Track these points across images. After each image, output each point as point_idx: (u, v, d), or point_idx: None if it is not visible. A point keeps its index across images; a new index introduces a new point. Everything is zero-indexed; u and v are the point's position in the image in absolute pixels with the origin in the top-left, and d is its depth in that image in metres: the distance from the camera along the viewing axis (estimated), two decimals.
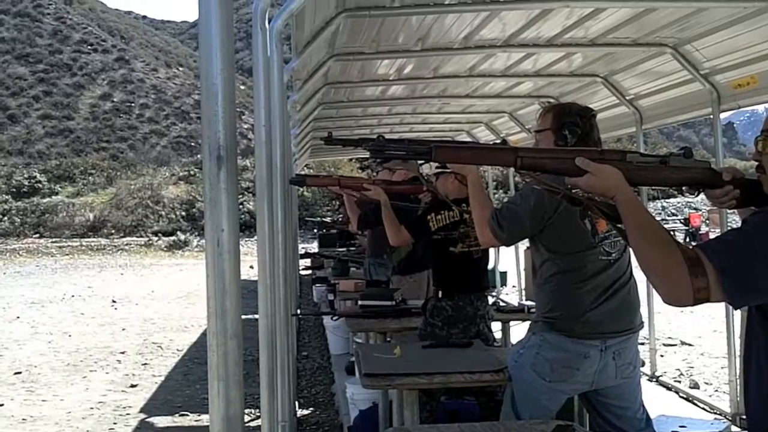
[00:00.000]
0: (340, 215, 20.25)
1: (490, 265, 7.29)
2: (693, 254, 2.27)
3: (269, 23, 4.98)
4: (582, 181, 2.59)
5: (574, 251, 4.35)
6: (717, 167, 2.80)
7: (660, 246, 2.35)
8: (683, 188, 2.80)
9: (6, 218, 55.01)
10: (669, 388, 9.25)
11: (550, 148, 2.82)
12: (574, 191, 2.68)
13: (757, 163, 2.59)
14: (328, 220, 30.45)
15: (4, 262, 41.00)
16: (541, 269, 4.52)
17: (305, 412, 8.88)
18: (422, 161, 3.18)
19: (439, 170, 6.33)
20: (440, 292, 6.24)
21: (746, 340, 2.56)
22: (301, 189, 34.25)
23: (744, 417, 7.44)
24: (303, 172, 9.20)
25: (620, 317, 4.42)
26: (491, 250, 7.19)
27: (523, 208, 4.37)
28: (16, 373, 11.82)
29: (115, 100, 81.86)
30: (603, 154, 2.65)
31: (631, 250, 2.57)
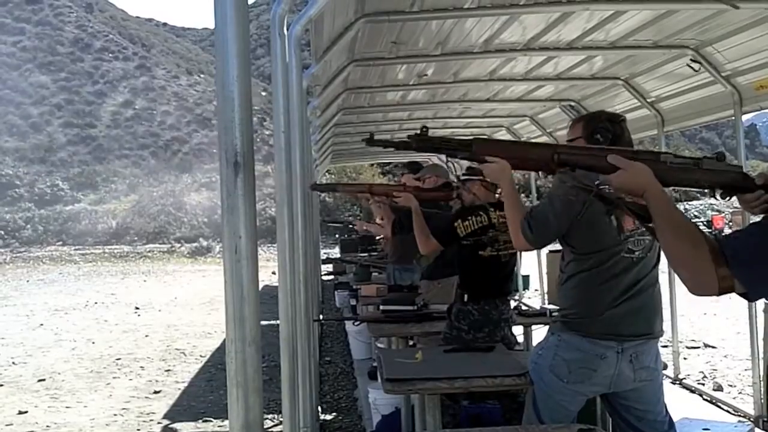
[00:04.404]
0: (359, 218, 20.29)
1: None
2: (716, 245, 2.32)
3: (288, 29, 4.98)
4: (614, 177, 2.65)
5: (599, 249, 4.35)
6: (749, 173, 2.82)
7: (687, 238, 2.39)
8: (716, 191, 2.83)
9: (29, 226, 55.41)
10: (692, 391, 9.20)
11: (585, 146, 2.86)
12: (605, 189, 2.72)
13: None
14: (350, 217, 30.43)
15: (27, 269, 41.28)
16: (567, 268, 4.53)
17: (328, 417, 8.87)
18: (462, 157, 3.21)
19: (466, 176, 6.32)
20: (466, 296, 6.22)
21: None
22: (322, 194, 34.33)
23: (767, 419, 7.42)
24: (321, 185, 9.23)
25: (639, 320, 4.41)
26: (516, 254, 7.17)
27: (552, 209, 4.39)
28: (40, 380, 11.87)
29: (136, 107, 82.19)
30: (637, 154, 2.73)
31: (660, 246, 2.59)
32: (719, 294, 2.32)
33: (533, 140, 13.86)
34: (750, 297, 2.38)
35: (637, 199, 2.64)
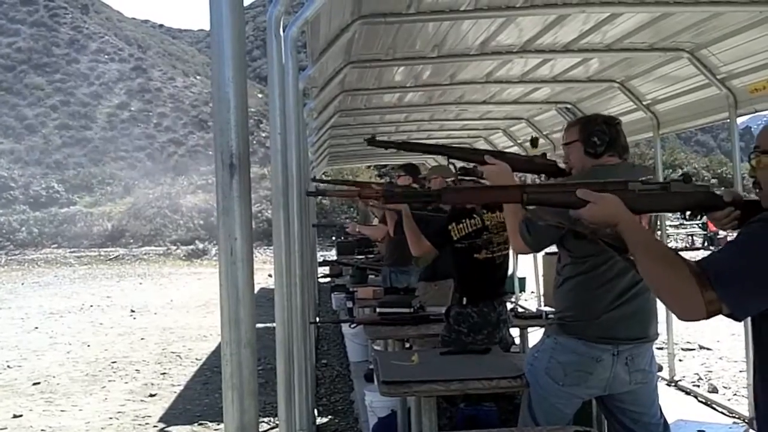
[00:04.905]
0: (356, 220, 20.27)
1: (509, 271, 7.27)
2: (698, 269, 2.33)
3: (284, 31, 4.98)
4: (585, 211, 2.67)
5: (595, 252, 4.35)
6: (717, 190, 2.87)
7: (667, 265, 2.41)
8: (686, 212, 2.91)
9: (24, 229, 55.21)
10: (687, 393, 9.22)
11: (553, 183, 2.90)
12: (578, 224, 2.75)
13: (753, 179, 2.64)
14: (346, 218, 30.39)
15: (22, 272, 41.18)
16: (563, 271, 4.53)
17: (324, 420, 8.87)
18: (430, 203, 3.21)
19: (462, 177, 6.31)
20: (464, 299, 6.22)
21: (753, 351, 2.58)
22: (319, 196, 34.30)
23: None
24: (321, 180, 9.16)
25: (634, 324, 4.41)
26: (511, 256, 7.17)
27: (551, 212, 4.38)
28: (34, 384, 11.84)
29: (132, 109, 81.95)
30: (605, 185, 2.76)
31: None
32: (707, 318, 2.33)
33: (523, 142, 13.94)
34: (736, 317, 2.39)
35: (611, 226, 2.65)
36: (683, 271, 2.33)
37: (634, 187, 2.79)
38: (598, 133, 4.44)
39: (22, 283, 33.43)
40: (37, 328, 18.55)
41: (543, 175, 5.17)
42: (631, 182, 2.81)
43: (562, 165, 5.01)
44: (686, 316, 2.39)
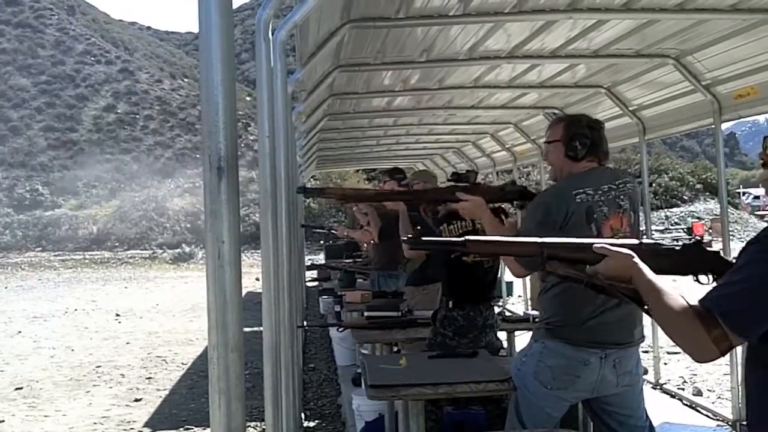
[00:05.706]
0: (344, 224, 20.27)
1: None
2: (702, 308, 2.36)
3: (273, 34, 4.97)
4: (601, 265, 2.74)
5: None
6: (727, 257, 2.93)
7: (676, 313, 2.43)
8: (698, 276, 2.96)
9: (8, 231, 54.95)
10: (672, 396, 9.28)
11: (571, 241, 2.94)
12: (596, 278, 2.80)
13: (762, 162, 2.68)
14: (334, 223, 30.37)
15: (5, 276, 40.96)
16: (549, 277, 4.53)
17: (311, 424, 8.86)
18: (454, 248, 3.21)
19: (454, 183, 6.34)
20: (451, 302, 6.24)
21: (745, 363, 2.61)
22: (307, 200, 34.28)
23: (744, 423, 7.48)
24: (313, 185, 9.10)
25: (621, 329, 4.44)
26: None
27: (534, 223, 4.40)
28: (17, 389, 11.78)
29: (119, 111, 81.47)
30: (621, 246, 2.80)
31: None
32: (722, 355, 2.35)
33: (519, 144, 13.99)
34: (750, 339, 2.42)
35: (626, 279, 2.69)
36: (689, 316, 2.36)
37: (647, 248, 2.86)
38: (580, 137, 4.46)
39: (6, 287, 33.27)
40: (20, 332, 18.47)
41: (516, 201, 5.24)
42: (645, 243, 2.90)
43: (531, 188, 5.05)
44: (700, 358, 2.42)
